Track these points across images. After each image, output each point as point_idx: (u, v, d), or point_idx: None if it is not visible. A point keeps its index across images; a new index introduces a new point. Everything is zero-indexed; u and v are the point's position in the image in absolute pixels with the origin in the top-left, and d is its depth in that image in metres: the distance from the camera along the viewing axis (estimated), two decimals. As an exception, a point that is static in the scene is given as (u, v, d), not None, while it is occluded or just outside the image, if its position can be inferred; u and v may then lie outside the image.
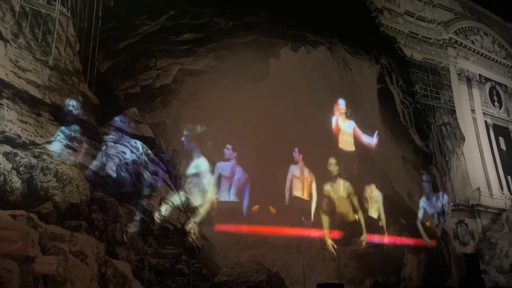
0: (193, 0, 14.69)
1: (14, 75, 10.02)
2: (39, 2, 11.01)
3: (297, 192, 18.82)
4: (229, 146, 17.72)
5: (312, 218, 18.48)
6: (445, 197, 19.58)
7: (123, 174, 12.88)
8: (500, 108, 24.48)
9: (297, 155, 19.34)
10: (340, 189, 19.42)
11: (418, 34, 21.67)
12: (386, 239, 19.45)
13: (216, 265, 14.64)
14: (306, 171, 19.27)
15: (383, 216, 20.21)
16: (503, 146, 23.59)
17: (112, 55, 14.23)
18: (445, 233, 18.78)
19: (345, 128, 19.98)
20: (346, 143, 19.84)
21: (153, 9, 14.09)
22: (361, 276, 19.58)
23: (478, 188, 20.79)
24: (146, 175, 13.78)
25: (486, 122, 23.28)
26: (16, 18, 10.49)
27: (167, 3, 14.29)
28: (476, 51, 24.22)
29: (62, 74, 11.18)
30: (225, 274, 11.68)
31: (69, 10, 11.74)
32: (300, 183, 19.05)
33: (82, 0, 11.98)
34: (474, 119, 22.62)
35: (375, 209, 20.27)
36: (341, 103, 19.91)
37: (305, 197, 19.07)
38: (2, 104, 9.65)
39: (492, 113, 23.93)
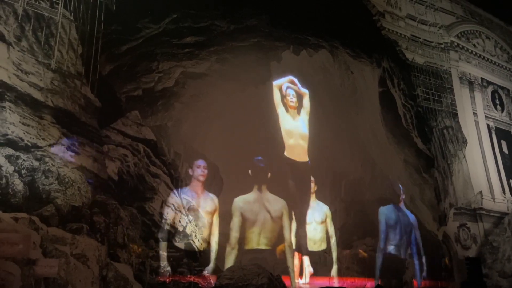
0: (195, 4, 14.74)
1: (16, 78, 10.06)
2: (42, 6, 11.06)
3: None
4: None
5: (210, 271, 12.83)
6: (412, 216, 16.55)
7: (124, 177, 12.90)
8: (502, 112, 24.47)
9: (200, 171, 13.08)
10: (270, 206, 13.73)
11: (420, 38, 21.70)
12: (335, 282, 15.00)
13: (218, 268, 14.60)
14: (206, 198, 12.99)
15: (333, 244, 15.55)
16: (505, 150, 23.57)
17: (114, 58, 14.26)
18: (447, 237, 18.74)
19: (295, 127, 14.70)
20: (296, 150, 14.64)
21: (155, 12, 14.14)
22: (362, 279, 19.49)
23: (480, 192, 20.76)
24: (148, 177, 13.79)
25: (488, 125, 23.27)
26: (19, 21, 10.53)
27: (169, 7, 14.33)
28: (478, 55, 24.23)
29: (65, 77, 11.21)
30: (227, 277, 11.63)
31: (72, 14, 11.78)
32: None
33: (84, 3, 12.03)
34: (476, 123, 22.62)
35: (318, 236, 15.28)
36: (290, 93, 14.73)
37: (199, 245, 12.70)
38: (4, 107, 9.67)
39: (494, 116, 23.92)
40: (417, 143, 19.41)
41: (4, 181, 9.12)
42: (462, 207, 19.77)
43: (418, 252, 16.25)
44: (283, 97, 14.82)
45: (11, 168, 9.36)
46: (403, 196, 17.02)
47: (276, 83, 14.98)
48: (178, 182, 15.64)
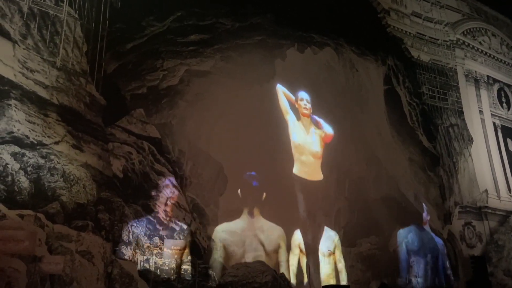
0: (199, 2, 14.74)
1: (22, 76, 10.10)
2: (47, 4, 11.09)
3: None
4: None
5: None
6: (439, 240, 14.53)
7: (129, 174, 12.93)
8: (508, 110, 24.31)
9: (169, 192, 9.90)
10: (264, 236, 10.74)
11: (425, 35, 21.59)
12: None
13: (222, 265, 14.61)
14: (174, 229, 10.05)
15: (343, 280, 12.41)
16: (511, 148, 23.42)
17: (119, 56, 14.29)
18: (451, 236, 18.66)
19: (307, 142, 12.03)
20: (308, 167, 12.02)
21: (159, 10, 14.16)
22: (367, 278, 19.45)
23: (486, 190, 20.66)
24: (152, 175, 13.81)
25: (494, 123, 23.12)
26: (24, 19, 10.58)
27: (174, 5, 14.35)
28: (484, 52, 24.07)
29: (70, 75, 11.25)
30: (231, 275, 11.65)
31: (77, 12, 11.81)
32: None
33: (89, 1, 12.06)
34: (482, 120, 22.49)
35: (325, 272, 12.39)
36: (304, 98, 12.19)
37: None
38: (10, 105, 9.73)
39: (501, 114, 23.78)
40: (422, 141, 19.34)
41: (10, 178, 9.18)
42: (467, 205, 19.68)
43: (448, 285, 13.86)
44: (293, 102, 12.17)
45: (16, 166, 9.42)
46: (428, 217, 14.92)
47: (283, 90, 12.77)
48: (183, 180, 15.68)
